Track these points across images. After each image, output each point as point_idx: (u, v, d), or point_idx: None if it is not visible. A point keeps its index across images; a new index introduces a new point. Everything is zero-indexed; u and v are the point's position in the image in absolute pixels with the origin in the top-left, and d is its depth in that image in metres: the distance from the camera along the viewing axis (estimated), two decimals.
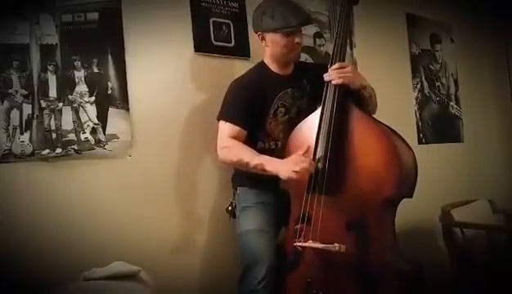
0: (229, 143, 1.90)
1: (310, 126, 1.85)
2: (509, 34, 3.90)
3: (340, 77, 1.79)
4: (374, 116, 1.84)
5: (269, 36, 1.95)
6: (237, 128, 1.91)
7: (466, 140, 3.58)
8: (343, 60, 1.87)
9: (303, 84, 2.04)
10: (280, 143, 2.00)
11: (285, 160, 1.81)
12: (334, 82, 1.80)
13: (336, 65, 1.81)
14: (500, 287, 2.38)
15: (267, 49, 2.00)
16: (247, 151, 1.88)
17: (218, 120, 1.96)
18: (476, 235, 2.58)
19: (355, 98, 1.83)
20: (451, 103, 3.53)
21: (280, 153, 1.94)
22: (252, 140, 1.96)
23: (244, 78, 2.03)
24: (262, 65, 2.05)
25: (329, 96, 1.79)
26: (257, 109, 1.95)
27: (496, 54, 3.95)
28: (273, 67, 2.03)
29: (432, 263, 2.20)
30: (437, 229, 2.77)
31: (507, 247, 2.52)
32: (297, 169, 1.70)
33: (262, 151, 1.93)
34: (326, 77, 1.82)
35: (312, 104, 2.03)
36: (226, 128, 1.92)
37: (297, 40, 1.94)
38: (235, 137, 1.91)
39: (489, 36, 3.89)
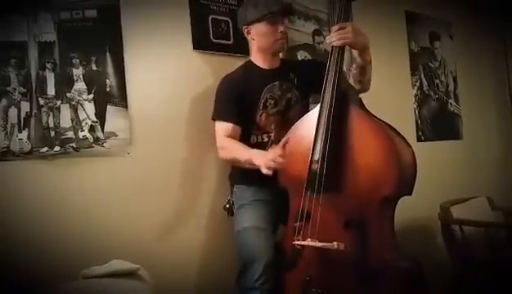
0: (225, 142, 1.95)
1: (307, 127, 1.82)
2: (508, 32, 3.91)
3: (341, 38, 1.73)
4: (373, 112, 1.83)
5: (254, 27, 2.01)
6: (230, 125, 1.95)
7: (465, 137, 3.59)
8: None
9: (290, 77, 2.06)
10: (272, 135, 2.01)
11: (264, 153, 1.80)
12: (334, 44, 1.75)
13: (337, 26, 1.75)
14: (499, 283, 2.39)
15: (253, 43, 2.05)
16: (239, 148, 1.91)
17: (213, 120, 2.00)
18: (475, 232, 2.58)
19: (354, 95, 1.82)
20: (450, 100, 3.53)
21: (273, 146, 1.92)
22: (245, 134, 1.99)
23: (232, 75, 2.06)
24: (249, 63, 2.11)
25: (327, 93, 1.77)
26: (246, 104, 1.98)
27: (495, 52, 3.95)
28: (260, 63, 2.07)
29: (431, 260, 2.20)
30: (436, 226, 2.78)
31: (506, 243, 2.52)
32: (270, 164, 1.69)
33: (255, 145, 1.97)
34: (327, 39, 1.78)
35: (301, 98, 2.07)
36: (220, 127, 1.97)
37: (281, 29, 1.99)
38: (229, 135, 1.95)
39: (488, 34, 3.89)
